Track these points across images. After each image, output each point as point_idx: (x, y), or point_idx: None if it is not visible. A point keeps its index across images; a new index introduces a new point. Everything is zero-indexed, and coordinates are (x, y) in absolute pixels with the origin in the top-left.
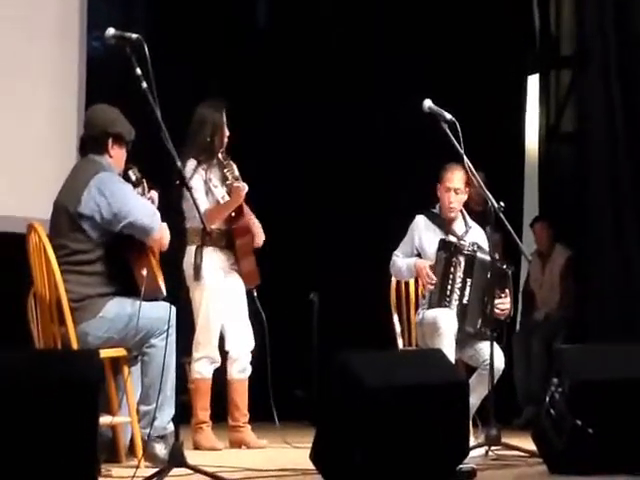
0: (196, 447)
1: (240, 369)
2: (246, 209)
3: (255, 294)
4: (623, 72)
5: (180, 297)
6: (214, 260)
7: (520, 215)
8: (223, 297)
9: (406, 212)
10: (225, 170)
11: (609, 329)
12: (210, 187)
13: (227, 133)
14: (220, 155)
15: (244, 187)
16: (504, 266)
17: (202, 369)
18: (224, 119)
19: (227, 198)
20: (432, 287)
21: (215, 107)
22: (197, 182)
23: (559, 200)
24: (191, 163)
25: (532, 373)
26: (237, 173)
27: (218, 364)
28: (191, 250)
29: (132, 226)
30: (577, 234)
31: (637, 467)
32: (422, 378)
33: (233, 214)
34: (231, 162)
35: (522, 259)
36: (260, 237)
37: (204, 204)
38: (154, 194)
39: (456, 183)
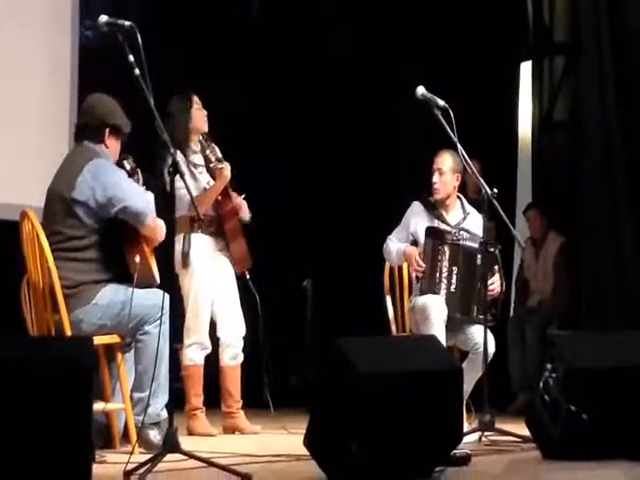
0: (190, 433)
1: (232, 356)
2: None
3: (248, 276)
4: (617, 59)
5: (174, 285)
6: (202, 246)
7: (513, 202)
8: (212, 283)
9: (401, 200)
10: (208, 151)
11: (603, 316)
12: (195, 174)
13: (204, 113)
14: (201, 137)
15: (227, 167)
16: (491, 249)
17: (193, 355)
18: (191, 105)
19: (212, 182)
20: (420, 275)
21: (179, 98)
22: (184, 170)
23: (552, 187)
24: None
25: (526, 359)
26: (220, 155)
27: (209, 350)
28: (179, 238)
29: (126, 211)
30: (570, 221)
31: (630, 452)
32: (416, 364)
33: (219, 197)
34: (213, 144)
35: (515, 246)
36: (246, 212)
37: (193, 190)
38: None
39: (439, 164)
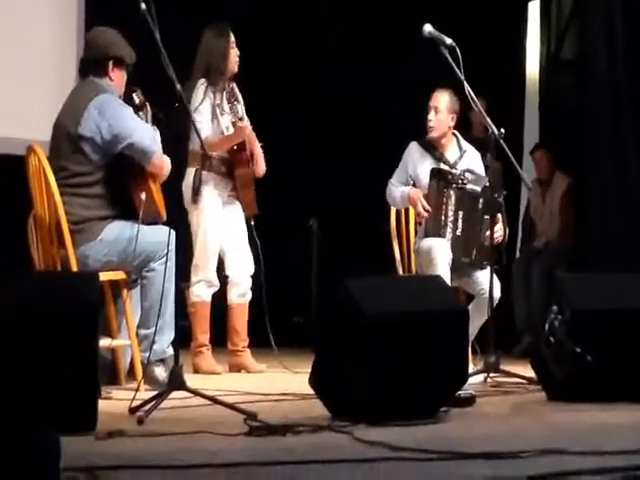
0: (196, 371)
1: (240, 293)
2: (252, 138)
3: (252, 223)
4: None
5: (182, 221)
6: (213, 186)
7: (520, 143)
8: (222, 222)
9: (405, 138)
10: (230, 105)
11: (609, 257)
12: (217, 113)
13: (237, 53)
14: (230, 87)
15: (247, 127)
16: (495, 195)
17: (201, 292)
18: (230, 42)
19: (231, 129)
20: (426, 216)
21: (218, 32)
22: (206, 105)
23: (559, 127)
24: (202, 85)
25: (532, 301)
26: (241, 114)
27: (216, 288)
28: (190, 172)
29: (132, 147)
30: (577, 161)
31: (635, 395)
32: (422, 304)
33: (234, 147)
34: (236, 103)
35: (522, 187)
36: (261, 167)
37: (208, 129)
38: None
39: (435, 101)
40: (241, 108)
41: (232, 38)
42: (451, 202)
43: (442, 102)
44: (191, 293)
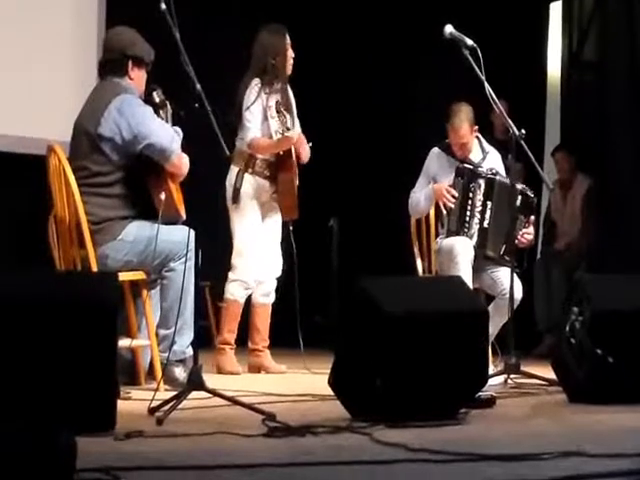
0: (217, 369)
1: (264, 293)
2: (300, 141)
3: (291, 228)
4: None
5: (201, 221)
6: (255, 188)
7: (541, 144)
8: (259, 224)
9: (426, 139)
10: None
11: (630, 258)
12: (267, 116)
13: (292, 55)
14: (282, 87)
15: (293, 137)
16: (531, 193)
17: (235, 291)
18: (286, 43)
19: (280, 134)
20: (452, 205)
21: (275, 31)
22: (257, 106)
23: (581, 128)
24: (255, 85)
25: (552, 302)
26: (290, 124)
27: (251, 291)
28: (233, 170)
29: (151, 147)
30: (598, 162)
31: None
32: (442, 305)
33: (281, 152)
34: (285, 112)
35: (543, 188)
36: (305, 154)
37: (257, 131)
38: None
39: (462, 138)
40: (290, 118)
41: (288, 40)
42: (479, 192)
43: (466, 132)
44: (225, 290)
